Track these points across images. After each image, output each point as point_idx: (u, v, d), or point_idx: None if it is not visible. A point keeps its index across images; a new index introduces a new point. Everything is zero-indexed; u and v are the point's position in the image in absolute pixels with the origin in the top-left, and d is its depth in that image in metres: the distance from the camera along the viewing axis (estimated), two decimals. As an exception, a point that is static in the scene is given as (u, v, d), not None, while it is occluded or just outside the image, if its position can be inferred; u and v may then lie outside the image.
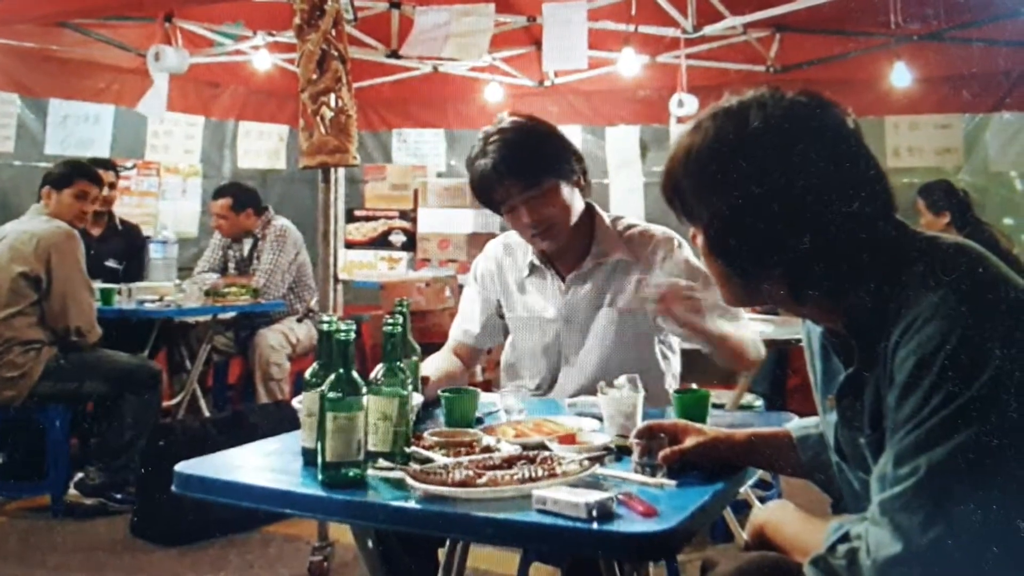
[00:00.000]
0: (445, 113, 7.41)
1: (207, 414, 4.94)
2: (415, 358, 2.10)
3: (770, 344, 2.73)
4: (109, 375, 4.07)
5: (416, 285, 5.44)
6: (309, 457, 1.71)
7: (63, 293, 3.97)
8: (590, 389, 2.15)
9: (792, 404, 3.96)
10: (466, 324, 2.59)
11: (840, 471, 1.50)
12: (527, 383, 2.52)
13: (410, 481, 1.55)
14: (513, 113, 2.42)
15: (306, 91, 3.19)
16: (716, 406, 2.14)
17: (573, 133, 6.72)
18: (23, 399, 3.94)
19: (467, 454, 1.70)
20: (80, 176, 4.22)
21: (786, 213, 1.31)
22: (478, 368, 3.55)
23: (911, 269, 1.29)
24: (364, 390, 1.63)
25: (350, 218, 6.39)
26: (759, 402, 3.69)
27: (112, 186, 5.10)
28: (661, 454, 1.64)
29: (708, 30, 5.49)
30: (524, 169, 2.30)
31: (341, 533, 3.27)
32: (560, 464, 1.59)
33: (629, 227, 2.47)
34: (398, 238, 6.35)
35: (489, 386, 3.06)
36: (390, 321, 1.75)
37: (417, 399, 1.96)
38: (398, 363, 1.70)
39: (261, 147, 7.09)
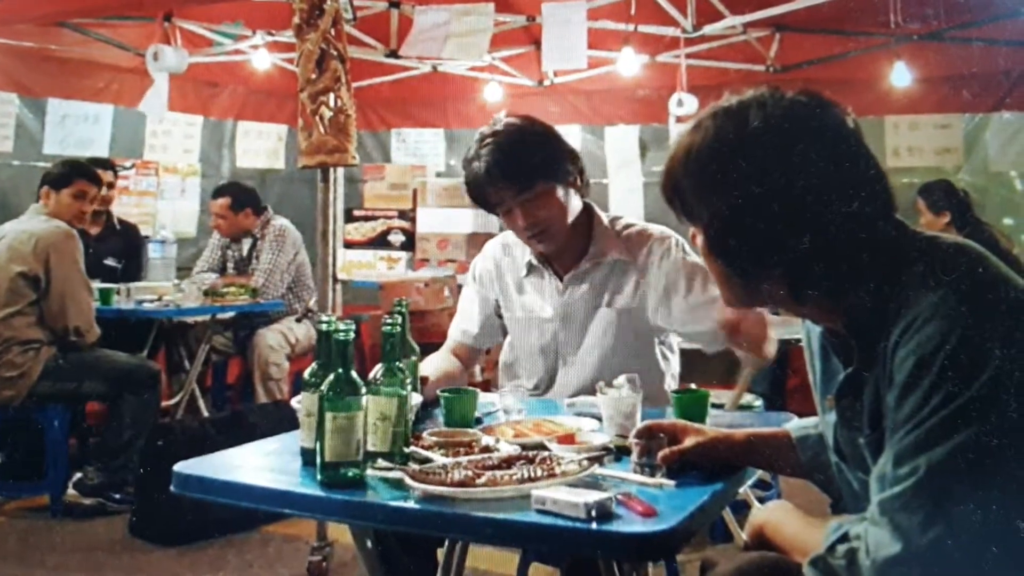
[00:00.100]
0: (444, 113, 7.41)
1: (206, 414, 4.93)
2: (414, 358, 2.10)
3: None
4: (108, 375, 4.07)
5: (415, 285, 5.44)
6: (308, 457, 1.70)
7: (62, 293, 3.97)
8: (590, 389, 2.14)
9: (792, 404, 3.96)
10: (465, 324, 2.59)
11: (839, 471, 1.49)
12: (524, 383, 2.52)
13: (409, 481, 1.54)
14: (510, 114, 2.42)
15: (305, 91, 3.19)
16: (715, 406, 2.13)
17: (572, 133, 6.72)
18: (22, 399, 3.94)
19: (466, 454, 1.70)
20: (79, 176, 4.22)
21: (786, 213, 1.30)
22: (477, 368, 3.55)
23: (911, 269, 1.29)
24: (363, 390, 1.63)
25: (349, 218, 6.39)
26: (759, 402, 3.68)
27: (111, 185, 5.10)
28: (660, 454, 1.64)
29: (708, 30, 5.49)
30: (516, 173, 2.29)
31: (340, 533, 3.27)
32: (559, 464, 1.59)
33: (627, 227, 2.46)
34: (397, 238, 6.36)
35: (488, 386, 3.06)
36: (389, 321, 1.75)
37: (416, 399, 1.95)
38: (397, 363, 1.69)
39: (260, 147, 7.09)
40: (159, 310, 4.65)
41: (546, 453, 1.69)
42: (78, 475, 4.01)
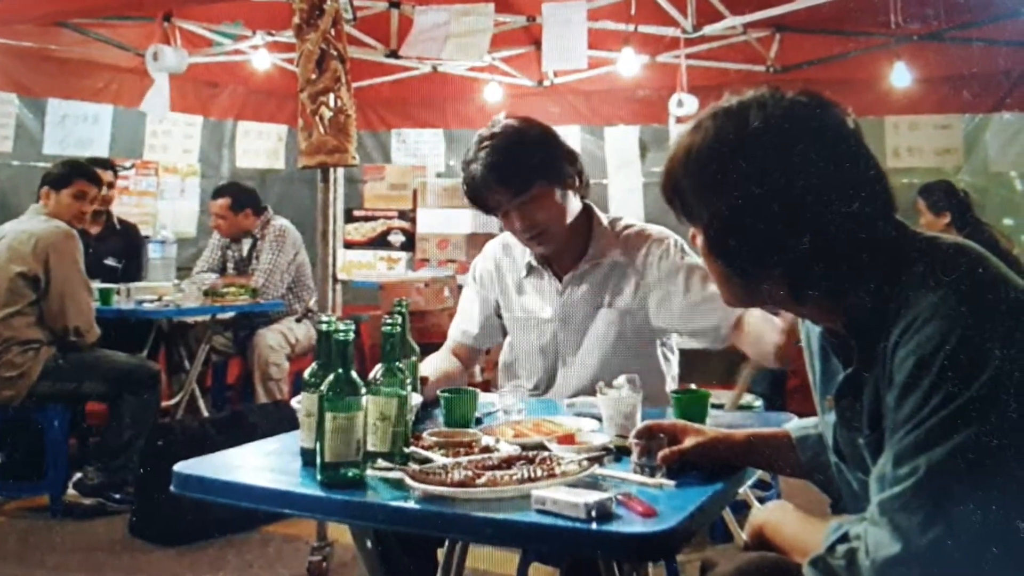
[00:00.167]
0: (444, 113, 7.40)
1: (206, 414, 4.93)
2: (414, 358, 2.09)
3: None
4: (108, 375, 4.07)
5: (415, 285, 5.44)
6: (308, 457, 1.70)
7: (61, 293, 3.97)
8: (589, 390, 2.14)
9: (792, 405, 3.96)
10: (465, 324, 2.59)
11: (839, 471, 1.49)
12: (524, 383, 2.52)
13: (409, 481, 1.54)
14: (509, 116, 2.42)
15: (305, 91, 3.19)
16: (715, 406, 2.13)
17: (572, 133, 6.72)
18: (22, 399, 3.94)
19: (466, 454, 1.70)
20: (79, 176, 4.22)
21: (786, 213, 1.30)
22: (477, 368, 3.55)
23: (911, 269, 1.29)
24: (363, 390, 1.63)
25: (349, 218, 6.39)
26: (759, 402, 3.68)
27: (111, 185, 5.10)
28: (660, 454, 1.64)
29: (708, 30, 5.49)
30: (512, 176, 2.29)
31: (340, 533, 3.27)
32: (559, 464, 1.59)
33: (626, 227, 2.46)
34: (397, 238, 6.36)
35: (488, 386, 3.06)
36: (389, 321, 1.75)
37: (416, 399, 1.95)
38: (397, 363, 1.69)
39: (260, 147, 7.09)
40: (159, 310, 4.65)
41: (546, 453, 1.69)
42: (78, 475, 4.02)
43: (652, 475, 1.62)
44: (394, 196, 6.45)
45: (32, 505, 4.11)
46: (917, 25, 5.32)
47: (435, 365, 2.42)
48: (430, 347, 2.52)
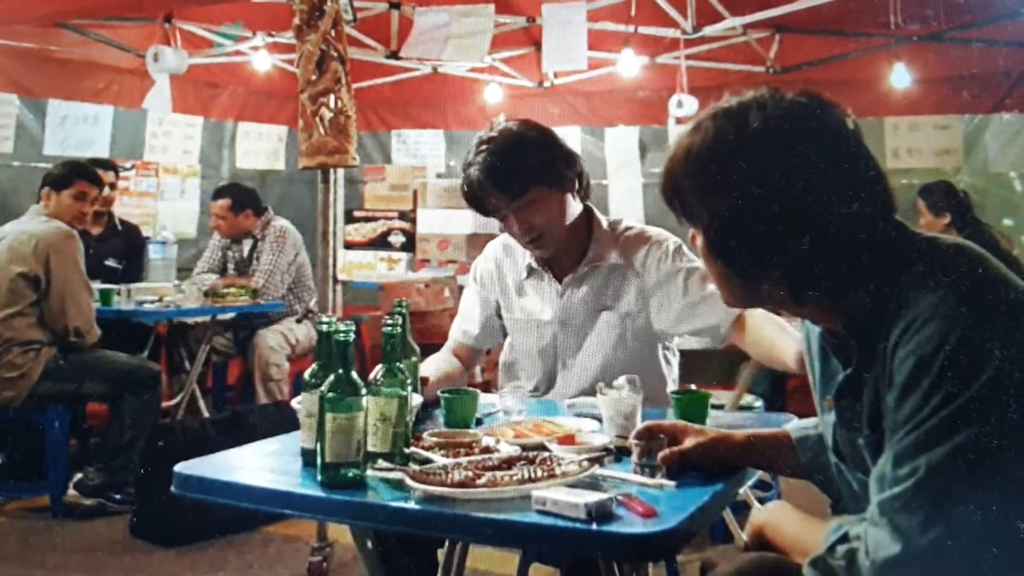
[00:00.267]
0: (444, 114, 7.41)
1: (206, 415, 4.94)
2: (414, 359, 2.10)
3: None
4: (108, 376, 4.07)
5: (415, 286, 5.44)
6: (308, 458, 1.70)
7: (62, 293, 3.97)
8: (591, 392, 2.14)
9: (792, 405, 3.96)
10: (466, 325, 2.59)
11: (839, 472, 1.50)
12: (524, 384, 2.52)
13: (409, 482, 1.54)
14: (508, 118, 2.42)
15: (305, 92, 3.19)
16: (715, 407, 2.13)
17: (572, 134, 6.72)
18: (22, 399, 3.94)
19: (466, 455, 1.70)
20: (79, 177, 4.22)
21: (786, 214, 1.30)
22: (477, 369, 3.55)
23: (911, 270, 1.29)
24: (363, 391, 1.63)
25: (349, 219, 6.40)
26: (759, 403, 3.68)
27: (112, 186, 5.11)
28: (660, 455, 1.64)
29: (708, 31, 5.50)
30: (509, 180, 2.29)
31: (340, 533, 3.27)
32: (559, 465, 1.59)
33: (627, 230, 2.46)
34: (397, 239, 6.36)
35: (488, 387, 3.06)
36: (389, 322, 1.75)
37: (416, 400, 1.95)
38: (397, 364, 1.70)
39: (260, 148, 7.09)
40: (160, 311, 4.65)
41: (546, 454, 1.69)
42: (79, 475, 4.02)
43: (652, 476, 1.62)
44: (394, 197, 6.45)
45: (33, 505, 4.11)
46: (917, 26, 5.32)
47: (435, 366, 2.42)
48: (430, 348, 2.52)
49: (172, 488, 1.74)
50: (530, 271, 2.50)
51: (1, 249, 3.99)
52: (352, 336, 1.65)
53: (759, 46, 5.95)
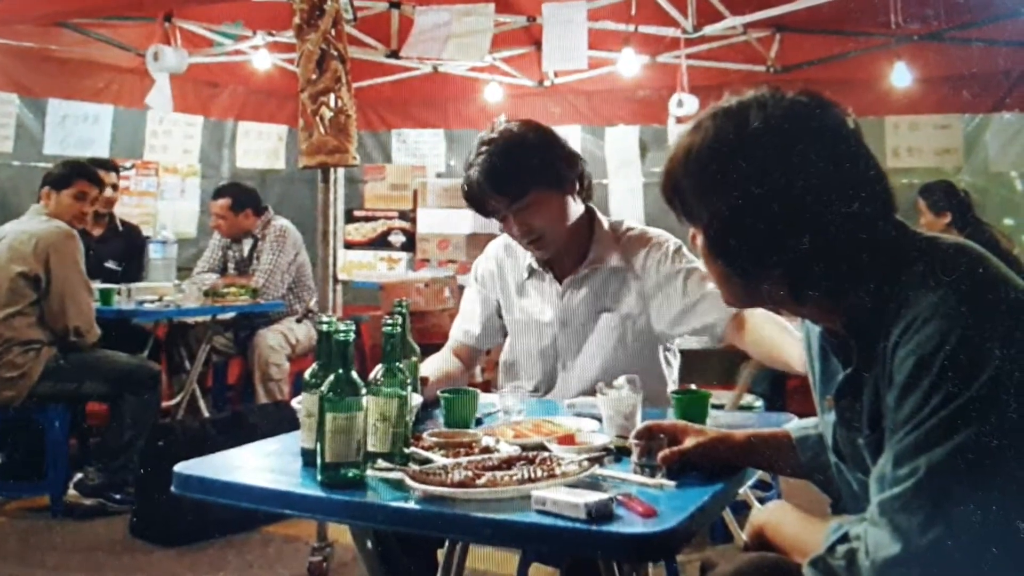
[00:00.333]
0: (445, 113, 7.40)
1: (206, 414, 4.94)
2: (414, 359, 2.10)
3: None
4: (108, 375, 4.07)
5: (415, 286, 5.44)
6: (308, 458, 1.70)
7: (61, 293, 3.97)
8: (591, 393, 2.14)
9: (792, 405, 3.96)
10: (467, 324, 2.59)
11: (839, 472, 1.49)
12: (524, 384, 2.52)
13: (409, 482, 1.54)
14: (509, 119, 2.41)
15: (305, 91, 3.19)
16: (716, 407, 2.13)
17: (573, 133, 6.72)
18: (22, 399, 3.94)
19: (466, 455, 1.70)
20: (79, 177, 4.22)
21: (786, 213, 1.30)
22: (477, 369, 3.55)
23: (911, 269, 1.28)
24: (363, 391, 1.62)
25: (349, 218, 6.40)
26: (759, 403, 3.68)
27: (114, 187, 5.11)
28: (660, 455, 1.64)
29: (708, 30, 5.49)
30: (508, 183, 2.29)
31: (340, 533, 3.27)
32: (559, 465, 1.59)
33: (627, 231, 2.46)
34: (397, 238, 6.36)
35: (488, 387, 3.06)
36: (389, 322, 1.75)
37: (416, 400, 1.95)
38: (397, 364, 1.69)
39: (260, 147, 7.09)
40: (160, 310, 4.65)
41: (546, 454, 1.69)
42: (78, 475, 4.02)
43: (652, 475, 1.62)
44: (394, 196, 6.45)
45: (32, 505, 4.11)
46: (917, 25, 5.32)
47: (436, 365, 2.42)
48: (430, 348, 2.52)
49: (172, 488, 1.74)
50: (531, 271, 2.50)
51: (1, 249, 3.99)
52: (352, 336, 1.65)
53: (759, 45, 5.95)
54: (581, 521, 1.41)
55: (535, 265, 2.48)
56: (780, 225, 1.31)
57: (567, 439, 1.82)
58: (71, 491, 3.98)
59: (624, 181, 6.93)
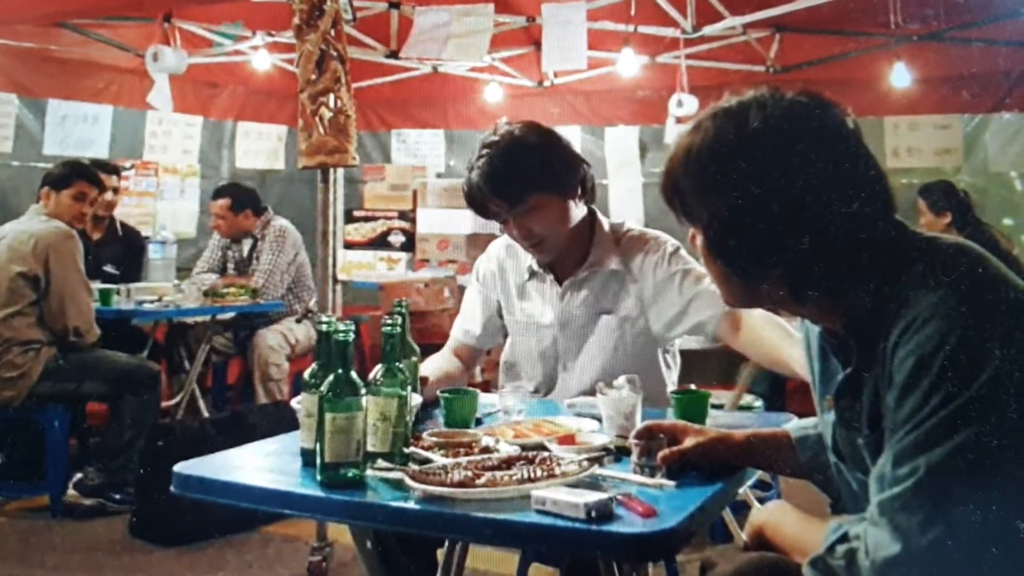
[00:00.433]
0: (444, 113, 7.40)
1: (206, 414, 4.94)
2: (414, 359, 2.09)
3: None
4: (108, 375, 4.07)
5: (415, 286, 5.44)
6: (308, 458, 1.70)
7: (61, 293, 3.97)
8: (592, 394, 2.14)
9: (792, 405, 3.96)
10: (467, 324, 2.59)
11: (838, 471, 1.49)
12: (525, 384, 2.52)
13: (409, 482, 1.54)
14: (512, 120, 2.40)
15: (305, 91, 3.19)
16: (715, 407, 2.13)
17: (572, 133, 6.72)
18: (22, 399, 3.94)
19: (466, 455, 1.70)
20: (79, 177, 4.22)
21: (786, 213, 1.30)
22: (477, 369, 3.55)
23: (911, 269, 1.28)
24: (363, 391, 1.63)
25: (349, 219, 6.39)
26: (758, 403, 3.68)
27: (115, 190, 5.11)
28: (660, 455, 1.64)
29: (708, 30, 5.49)
30: (507, 188, 2.28)
31: (340, 533, 3.27)
32: (559, 465, 1.59)
33: (627, 233, 2.45)
34: (397, 239, 6.36)
35: (488, 387, 3.06)
36: (389, 322, 1.75)
37: (416, 400, 1.95)
38: (397, 364, 1.70)
39: (260, 147, 7.09)
40: (159, 311, 4.65)
41: (546, 454, 1.69)
42: (78, 475, 4.02)
43: (652, 475, 1.62)
44: (394, 196, 6.45)
45: (32, 505, 4.11)
46: (917, 25, 5.32)
47: (436, 365, 2.42)
48: (430, 348, 2.52)
49: (172, 488, 1.75)
50: (532, 273, 2.49)
51: (1, 249, 3.99)
52: (352, 336, 1.65)
53: (759, 45, 5.95)
54: (581, 521, 1.41)
55: (535, 267, 2.48)
56: (780, 225, 1.31)
57: (567, 439, 1.82)
58: (71, 491, 3.98)
59: (624, 181, 6.93)
